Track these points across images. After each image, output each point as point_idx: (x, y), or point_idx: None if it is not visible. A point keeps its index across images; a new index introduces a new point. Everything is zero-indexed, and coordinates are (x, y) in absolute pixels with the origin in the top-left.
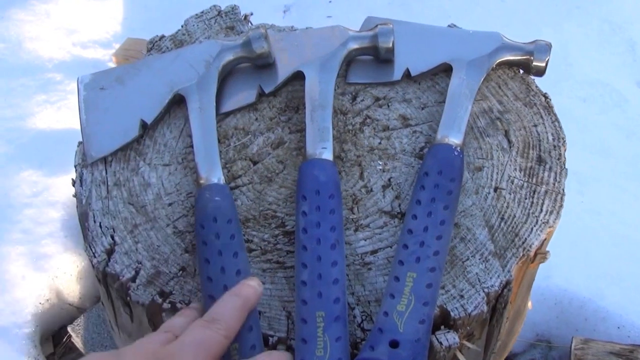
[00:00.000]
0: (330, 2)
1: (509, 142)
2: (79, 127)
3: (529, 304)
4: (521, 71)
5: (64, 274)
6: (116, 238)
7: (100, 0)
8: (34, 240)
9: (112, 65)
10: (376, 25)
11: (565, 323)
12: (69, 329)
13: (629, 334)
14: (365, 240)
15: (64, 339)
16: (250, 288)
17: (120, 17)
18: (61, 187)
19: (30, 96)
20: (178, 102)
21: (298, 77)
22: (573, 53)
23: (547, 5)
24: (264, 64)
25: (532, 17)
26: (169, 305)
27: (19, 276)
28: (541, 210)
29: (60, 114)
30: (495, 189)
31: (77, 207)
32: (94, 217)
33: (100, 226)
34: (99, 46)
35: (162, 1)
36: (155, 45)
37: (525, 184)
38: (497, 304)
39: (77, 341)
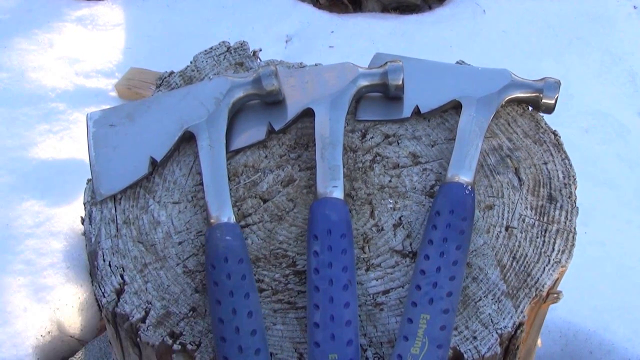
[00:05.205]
0: (332, 32)
1: (520, 180)
2: (81, 156)
3: (539, 342)
4: (530, 108)
5: (65, 305)
6: (126, 277)
7: (104, 30)
8: (35, 271)
9: (114, 94)
10: (386, 63)
11: (570, 356)
12: None
13: None
14: (376, 280)
15: None
16: None
17: (123, 46)
18: (63, 218)
19: (32, 126)
20: (188, 139)
21: (308, 114)
22: (574, 84)
23: (548, 36)
24: (273, 101)
25: (533, 48)
26: (180, 347)
27: (21, 308)
28: (553, 249)
29: (63, 144)
30: (507, 228)
31: (86, 245)
32: (103, 256)
33: (110, 265)
34: (102, 76)
35: (165, 31)
36: (164, 82)
37: (537, 223)
38: (510, 345)
39: None
